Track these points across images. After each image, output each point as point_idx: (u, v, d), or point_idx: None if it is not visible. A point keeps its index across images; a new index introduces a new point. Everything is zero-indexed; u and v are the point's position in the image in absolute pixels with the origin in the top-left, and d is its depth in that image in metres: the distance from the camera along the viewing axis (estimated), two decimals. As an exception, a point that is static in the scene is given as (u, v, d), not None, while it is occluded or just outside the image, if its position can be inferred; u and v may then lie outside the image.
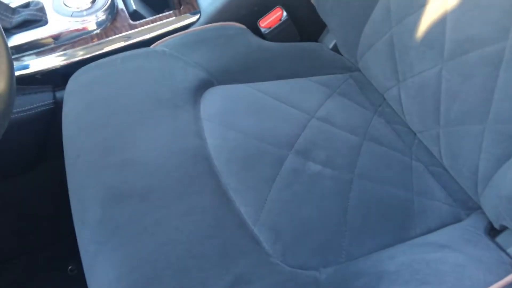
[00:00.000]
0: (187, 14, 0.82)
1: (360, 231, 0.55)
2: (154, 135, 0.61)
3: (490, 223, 0.59)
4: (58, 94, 0.76)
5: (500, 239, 0.57)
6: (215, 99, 0.68)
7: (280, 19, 0.81)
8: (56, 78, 0.76)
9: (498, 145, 0.54)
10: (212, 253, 0.49)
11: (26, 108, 0.71)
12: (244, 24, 0.81)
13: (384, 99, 0.77)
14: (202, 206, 0.54)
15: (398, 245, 0.54)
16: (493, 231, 0.59)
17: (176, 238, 0.50)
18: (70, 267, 0.90)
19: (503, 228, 0.58)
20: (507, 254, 0.54)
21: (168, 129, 0.62)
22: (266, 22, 0.81)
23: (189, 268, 0.47)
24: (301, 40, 0.87)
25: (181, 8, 0.82)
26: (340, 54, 0.86)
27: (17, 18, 0.73)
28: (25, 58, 0.75)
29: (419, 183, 0.64)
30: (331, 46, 0.86)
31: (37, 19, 0.75)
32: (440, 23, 0.61)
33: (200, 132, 0.63)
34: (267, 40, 0.81)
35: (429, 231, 0.58)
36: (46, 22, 0.76)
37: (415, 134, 0.72)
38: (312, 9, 0.82)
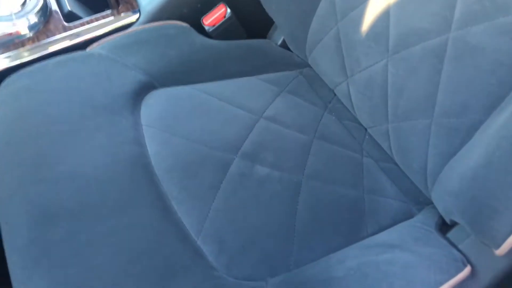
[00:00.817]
0: (126, 14, 0.77)
1: (310, 236, 0.53)
2: (89, 145, 0.57)
3: (442, 218, 0.58)
4: (-12, 105, 0.71)
5: (451, 235, 0.56)
6: (156, 103, 0.65)
7: (224, 16, 0.78)
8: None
9: (444, 139, 0.53)
10: (152, 272, 0.46)
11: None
12: (187, 22, 0.77)
13: (335, 95, 0.76)
14: (141, 220, 0.51)
15: (348, 248, 0.52)
16: (444, 227, 0.58)
17: (111, 257, 0.46)
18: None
19: (454, 224, 0.57)
20: (459, 250, 0.54)
21: (104, 138, 0.58)
22: (210, 20, 0.78)
23: (125, 289, 0.44)
24: (249, 37, 0.84)
25: (119, 7, 0.77)
26: (290, 50, 0.84)
27: None
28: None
29: (370, 180, 0.63)
30: (279, 42, 0.84)
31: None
32: (384, 17, 0.60)
33: (139, 139, 0.59)
34: (212, 38, 0.78)
35: (381, 229, 0.57)
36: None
37: (366, 129, 0.70)
38: (258, 5, 0.79)
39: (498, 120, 0.46)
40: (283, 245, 0.52)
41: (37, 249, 0.48)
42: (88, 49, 0.71)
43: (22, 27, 0.73)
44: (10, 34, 0.72)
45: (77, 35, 0.74)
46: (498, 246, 0.46)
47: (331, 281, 0.47)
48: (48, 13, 0.75)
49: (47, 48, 0.72)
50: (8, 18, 0.73)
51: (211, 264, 0.49)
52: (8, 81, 0.66)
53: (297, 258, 0.51)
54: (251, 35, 0.85)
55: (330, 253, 0.52)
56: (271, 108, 0.69)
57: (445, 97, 0.52)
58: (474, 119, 0.49)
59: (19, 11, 0.74)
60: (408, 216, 0.60)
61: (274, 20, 0.80)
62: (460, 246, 0.54)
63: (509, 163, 0.43)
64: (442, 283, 0.48)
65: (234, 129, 0.63)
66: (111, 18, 0.77)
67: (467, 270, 0.51)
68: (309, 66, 0.81)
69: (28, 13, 0.73)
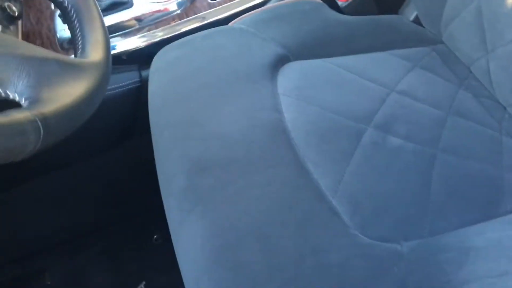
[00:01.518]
0: (264, -9, 0.82)
1: (445, 207, 0.53)
2: (233, 109, 0.62)
3: None
4: (143, 73, 0.80)
5: None
6: (292, 74, 0.69)
7: (358, -8, 0.79)
8: (141, 58, 0.80)
9: None
10: (291, 223, 0.50)
11: (114, 86, 0.76)
12: (322, -2, 0.80)
13: (471, 72, 0.73)
14: (281, 177, 0.55)
15: (487, 222, 0.51)
16: None
17: (256, 207, 0.51)
18: (155, 236, 0.96)
19: None
20: None
21: (247, 104, 0.63)
22: (344, -5, 0.80)
23: (269, 235, 0.48)
24: (380, 13, 0.84)
25: (257, -15, 0.82)
26: (422, 26, 0.82)
27: (105, 1, 0.78)
28: (112, 39, 0.80)
29: (510, 159, 0.60)
30: (412, 18, 0.83)
31: (124, 2, 0.79)
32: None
33: (277, 107, 0.64)
34: (344, 14, 0.79)
35: (521, 209, 0.55)
36: (131, 5, 0.80)
37: (505, 108, 0.67)
38: (392, -21, 0.79)
39: None
40: (417, 213, 0.52)
41: (191, 195, 0.54)
42: (230, 24, 0.77)
43: (172, 5, 0.81)
44: (162, 10, 0.81)
45: (221, 11, 0.80)
46: None
47: (470, 250, 0.47)
48: (194, -8, 0.83)
49: (194, 23, 0.80)
50: (160, -2, 0.81)
51: (346, 223, 0.51)
52: (162, 51, 0.74)
53: (432, 226, 0.51)
54: (383, 10, 0.85)
55: (466, 225, 0.52)
56: (404, 82, 0.69)
57: None
58: None
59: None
60: (553, 198, 0.57)
61: (408, -5, 0.80)
62: None
63: None
64: None
65: (367, 101, 0.65)
66: (251, -5, 0.82)
67: None
68: (442, 42, 0.79)
69: (177, -9, 0.81)
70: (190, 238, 0.50)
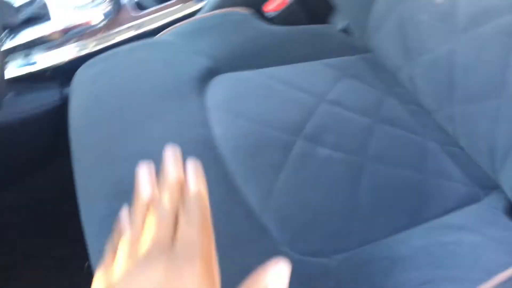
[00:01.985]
0: (192, 2, 0.80)
1: (373, 216, 0.53)
2: (159, 127, 0.60)
3: (509, 202, 0.56)
4: (65, 91, 0.76)
5: (521, 219, 0.55)
6: (221, 88, 0.67)
7: (286, 3, 0.79)
8: (63, 75, 0.76)
9: (515, 120, 0.51)
10: (220, 243, 0.48)
11: (34, 106, 0.72)
12: (250, 9, 0.79)
13: (397, 79, 0.75)
14: (208, 196, 0.53)
15: (413, 229, 0.52)
16: (512, 211, 0.57)
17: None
18: (86, 264, 0.91)
19: (525, 208, 0.55)
20: (529, 234, 0.52)
21: (173, 121, 0.61)
22: (272, 6, 0.79)
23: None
24: (310, 23, 0.85)
25: (186, -4, 0.80)
26: (352, 35, 0.83)
27: (21, 16, 0.73)
28: (32, 54, 0.75)
29: (435, 163, 0.62)
30: (341, 27, 0.84)
31: (41, 16, 0.75)
32: (451, -4, 0.58)
33: (206, 122, 0.62)
34: (273, 24, 0.79)
35: (446, 212, 0.56)
36: (49, 18, 0.76)
37: (429, 113, 0.69)
38: (320, -10, 0.80)
39: None
40: (346, 224, 0.52)
41: (112, 222, 0.51)
42: (158, 36, 0.75)
43: (95, 17, 0.78)
44: (83, 24, 0.77)
45: (146, 23, 0.78)
46: None
47: (396, 259, 0.47)
48: (119, 3, 0.79)
49: (118, 37, 0.77)
50: (83, 8, 0.78)
51: (276, 240, 0.50)
52: (83, 67, 0.71)
53: (360, 237, 0.51)
54: (313, 20, 0.85)
55: (394, 233, 0.52)
56: (333, 92, 0.69)
57: (517, 76, 0.50)
58: (549, 98, 0.47)
59: (92, 1, 0.78)
60: (475, 200, 0.58)
61: (335, 4, 0.80)
62: (531, 231, 0.53)
63: None
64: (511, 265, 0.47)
65: (297, 112, 0.64)
66: (178, 6, 0.80)
67: (538, 254, 0.49)
68: (370, 51, 0.80)
69: (101, 3, 0.78)
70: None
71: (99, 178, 0.55)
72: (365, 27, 0.76)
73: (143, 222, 0.35)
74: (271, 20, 0.81)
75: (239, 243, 0.49)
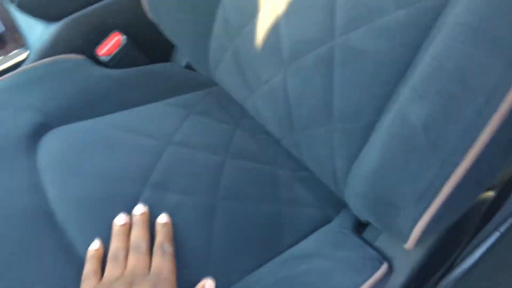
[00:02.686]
0: (15, 52, 0.73)
1: (225, 261, 0.52)
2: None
3: (357, 219, 0.59)
4: None
5: (366, 234, 0.58)
6: (54, 144, 0.61)
7: (120, 44, 0.76)
8: None
9: (345, 143, 0.54)
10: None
11: None
12: (82, 54, 0.74)
13: (245, 110, 0.75)
14: (49, 272, 0.47)
15: (265, 266, 0.52)
16: (361, 226, 0.60)
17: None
18: None
19: (369, 222, 0.58)
20: (374, 248, 0.55)
21: (0, 188, 0.54)
22: (105, 50, 0.75)
23: None
24: (152, 62, 0.82)
25: (6, 46, 0.73)
26: (196, 70, 0.83)
27: None
28: None
29: (286, 191, 0.63)
30: (184, 64, 0.83)
31: None
32: (275, 29, 0.60)
33: (38, 186, 0.56)
34: (110, 68, 0.75)
35: (301, 239, 0.57)
36: None
37: (279, 141, 0.70)
38: (157, 28, 0.78)
39: (387, 118, 0.47)
40: (198, 275, 0.50)
41: None
42: (-25, 94, 0.66)
43: None
44: None
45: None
46: (406, 240, 0.48)
47: (250, 302, 0.46)
48: None
49: None
50: None
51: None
52: None
53: (216, 285, 0.49)
54: (154, 59, 0.83)
55: (247, 274, 0.51)
56: (180, 132, 0.67)
57: (339, 103, 0.53)
58: (368, 120, 0.50)
59: None
60: (327, 221, 0.61)
61: (173, 43, 0.79)
62: (375, 244, 0.56)
63: (401, 161, 0.44)
64: (360, 284, 0.49)
65: (141, 159, 0.61)
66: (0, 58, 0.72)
67: (384, 267, 0.52)
68: (216, 84, 0.80)
69: None
70: None
71: None
72: (206, 64, 0.76)
73: (126, 250, 0.47)
74: (107, 64, 0.77)
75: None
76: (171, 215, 0.55)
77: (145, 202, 0.55)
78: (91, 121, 0.65)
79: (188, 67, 0.82)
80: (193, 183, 0.59)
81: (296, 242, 0.57)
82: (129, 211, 0.54)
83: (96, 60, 0.75)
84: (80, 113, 0.66)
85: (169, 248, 0.48)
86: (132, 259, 0.46)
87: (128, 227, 0.51)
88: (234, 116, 0.74)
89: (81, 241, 0.51)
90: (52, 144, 0.61)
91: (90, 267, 0.47)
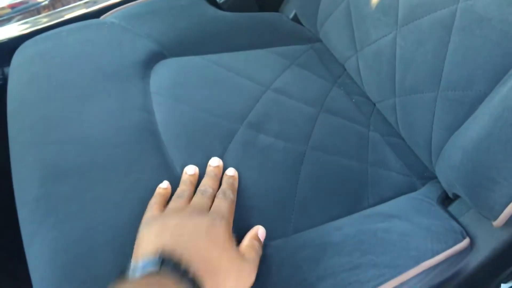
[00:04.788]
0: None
1: (309, 204, 0.54)
2: (98, 110, 0.58)
3: (444, 192, 0.58)
4: (6, 70, 0.73)
5: (452, 208, 0.57)
6: (166, 72, 0.66)
7: (237, -12, 0.78)
8: (5, 53, 0.73)
9: (449, 113, 0.53)
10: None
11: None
12: (199, -7, 0.78)
13: (345, 69, 0.75)
14: (145, 183, 0.52)
15: (347, 217, 0.53)
16: (447, 200, 0.59)
17: (114, 215, 0.48)
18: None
19: (456, 197, 0.57)
20: (459, 223, 0.54)
21: (113, 104, 0.59)
22: (222, -9, 0.78)
23: (126, 245, 0.45)
24: (261, 11, 0.84)
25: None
26: (301, 24, 0.83)
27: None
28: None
29: (375, 153, 0.63)
30: (291, 16, 0.84)
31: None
32: (395, -12, 0.59)
33: (147, 106, 0.61)
34: (223, 10, 0.78)
35: (383, 201, 0.58)
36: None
37: (374, 104, 0.70)
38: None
39: (501, 91, 0.45)
40: (283, 212, 0.53)
41: (45, 204, 0.50)
42: (102, 18, 0.72)
43: (38, -5, 0.74)
44: (26, 1, 0.74)
45: (92, 3, 0.75)
46: (495, 217, 0.47)
47: (327, 245, 0.48)
48: (63, -18, 0.77)
49: (62, 16, 0.74)
50: (25, -14, 0.74)
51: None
52: (24, 46, 0.68)
53: (296, 224, 0.52)
54: (264, 8, 0.85)
55: (329, 221, 0.53)
56: (279, 80, 0.69)
57: (451, 70, 0.52)
58: (479, 91, 0.49)
59: (36, -21, 0.75)
60: (411, 189, 0.60)
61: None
62: (460, 219, 0.55)
63: (510, 135, 0.43)
64: (438, 252, 0.49)
65: (241, 99, 0.64)
66: (125, -13, 0.78)
67: (465, 241, 0.51)
68: (320, 40, 0.80)
69: (44, -19, 0.75)
70: (39, 253, 0.46)
71: (32, 160, 0.53)
72: (314, 18, 0.77)
73: (190, 193, 0.50)
74: (221, 6, 0.80)
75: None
76: (262, 156, 0.57)
77: (239, 139, 0.59)
78: (200, 56, 0.69)
79: (294, 20, 0.83)
80: (287, 129, 0.61)
81: (378, 203, 0.57)
82: (224, 145, 0.57)
83: (211, 1, 0.79)
84: (191, 48, 0.70)
85: (230, 195, 0.50)
86: (196, 198, 0.48)
87: (197, 177, 0.53)
88: (333, 73, 0.74)
89: (180, 163, 0.55)
90: (164, 72, 0.66)
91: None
